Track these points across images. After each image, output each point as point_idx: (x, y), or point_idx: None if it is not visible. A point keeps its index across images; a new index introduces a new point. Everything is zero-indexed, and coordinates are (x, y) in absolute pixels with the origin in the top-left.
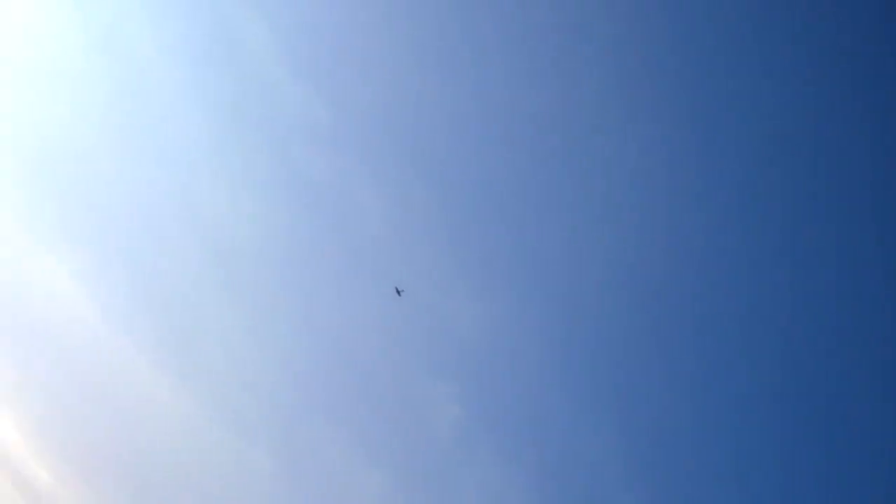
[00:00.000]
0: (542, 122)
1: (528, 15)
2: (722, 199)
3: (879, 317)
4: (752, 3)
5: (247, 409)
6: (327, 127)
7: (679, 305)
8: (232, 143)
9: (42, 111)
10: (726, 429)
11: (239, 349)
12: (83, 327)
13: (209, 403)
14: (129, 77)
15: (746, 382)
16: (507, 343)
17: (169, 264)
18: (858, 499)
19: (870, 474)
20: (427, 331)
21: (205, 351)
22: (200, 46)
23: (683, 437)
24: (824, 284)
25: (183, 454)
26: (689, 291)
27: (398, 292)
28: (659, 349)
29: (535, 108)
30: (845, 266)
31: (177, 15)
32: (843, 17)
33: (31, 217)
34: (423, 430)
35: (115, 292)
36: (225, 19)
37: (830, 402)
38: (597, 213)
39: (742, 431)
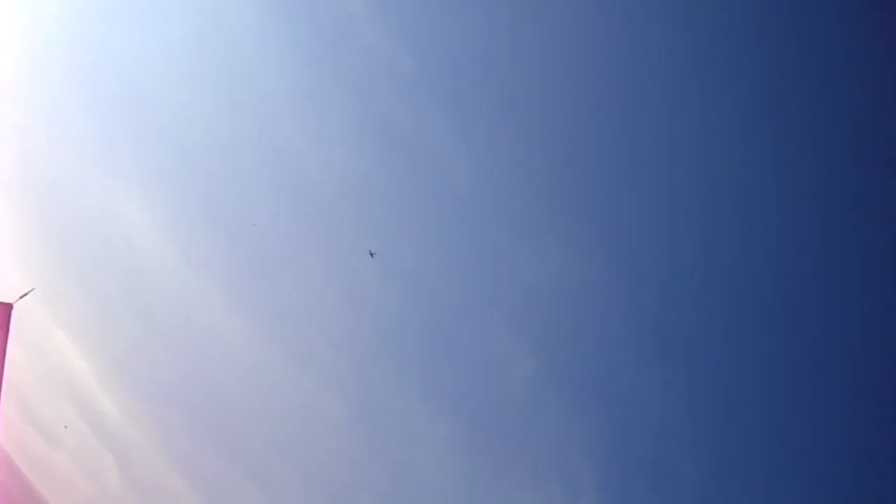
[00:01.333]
0: (639, 75)
1: None
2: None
3: None
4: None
5: (321, 354)
6: (414, 75)
7: (767, 283)
8: (317, 87)
9: (124, 48)
10: (803, 400)
11: (316, 293)
12: (161, 265)
13: (283, 346)
14: (215, 18)
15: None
16: (587, 300)
17: (250, 206)
18: None
19: None
20: (508, 283)
21: (282, 294)
22: None
23: (756, 405)
24: None
25: (253, 395)
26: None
27: (371, 254)
28: (736, 316)
29: (634, 59)
30: None
31: None
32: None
33: (112, 155)
34: (495, 383)
35: (194, 231)
36: None
37: None
38: (692, 173)
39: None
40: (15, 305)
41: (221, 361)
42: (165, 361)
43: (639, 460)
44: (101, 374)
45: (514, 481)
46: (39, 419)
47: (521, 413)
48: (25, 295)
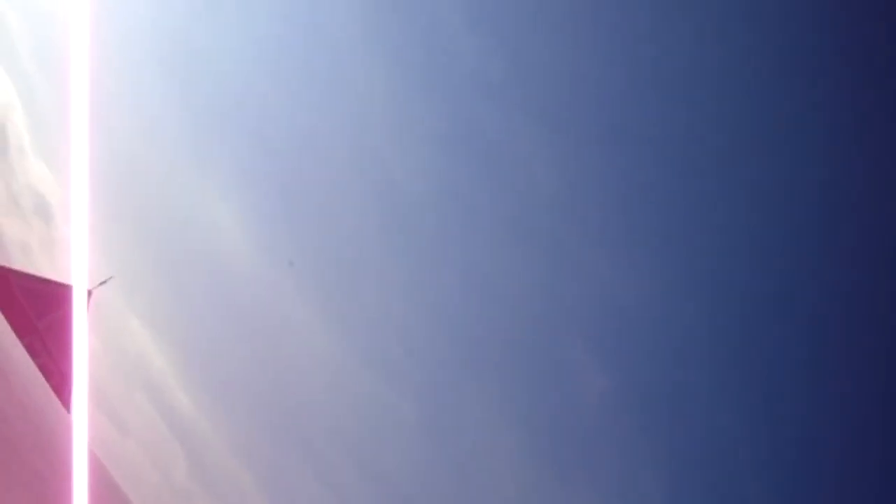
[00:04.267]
0: (743, 82)
1: None
2: None
3: None
4: None
5: (398, 359)
6: (502, 83)
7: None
8: (406, 90)
9: (218, 48)
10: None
11: (396, 299)
12: (243, 262)
13: (361, 350)
14: (306, 19)
15: None
16: (669, 320)
17: (334, 209)
18: None
19: None
20: (588, 296)
21: (362, 297)
22: None
23: (835, 441)
24: None
25: (328, 397)
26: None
27: (291, 264)
28: (824, 350)
29: (739, 65)
30: None
31: None
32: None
33: (201, 151)
34: (568, 397)
35: (277, 232)
36: None
37: None
38: (794, 191)
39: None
40: (93, 292)
41: (297, 360)
42: (241, 357)
43: (710, 488)
44: (176, 365)
45: (580, 499)
46: (111, 406)
47: (592, 430)
48: (104, 283)
